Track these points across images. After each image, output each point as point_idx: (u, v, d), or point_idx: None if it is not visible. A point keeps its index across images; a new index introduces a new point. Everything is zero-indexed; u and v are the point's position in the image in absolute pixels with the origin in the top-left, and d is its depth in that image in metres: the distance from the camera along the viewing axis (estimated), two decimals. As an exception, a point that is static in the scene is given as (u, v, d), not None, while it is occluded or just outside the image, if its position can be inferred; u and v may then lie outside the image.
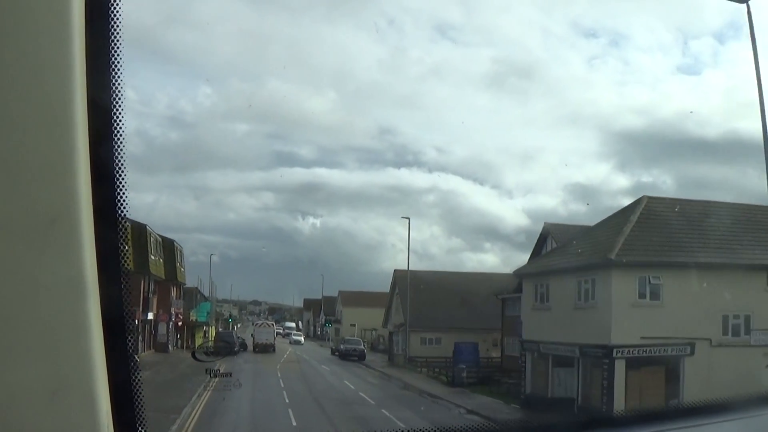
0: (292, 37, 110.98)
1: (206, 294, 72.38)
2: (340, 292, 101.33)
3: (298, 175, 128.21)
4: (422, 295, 57.58)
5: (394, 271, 68.28)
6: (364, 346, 69.60)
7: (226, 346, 46.54)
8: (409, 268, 60.46)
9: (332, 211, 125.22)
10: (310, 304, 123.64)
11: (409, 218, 64.45)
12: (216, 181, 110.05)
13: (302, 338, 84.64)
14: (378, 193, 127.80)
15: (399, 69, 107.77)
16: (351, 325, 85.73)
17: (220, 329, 73.14)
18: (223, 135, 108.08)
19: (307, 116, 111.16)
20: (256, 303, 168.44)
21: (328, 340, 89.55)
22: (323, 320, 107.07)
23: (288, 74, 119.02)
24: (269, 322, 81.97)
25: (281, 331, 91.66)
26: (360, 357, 64.47)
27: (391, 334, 67.40)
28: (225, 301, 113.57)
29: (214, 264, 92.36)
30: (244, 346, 58.11)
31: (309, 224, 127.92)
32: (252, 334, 65.20)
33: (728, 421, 3.83)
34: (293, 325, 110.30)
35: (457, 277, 61.47)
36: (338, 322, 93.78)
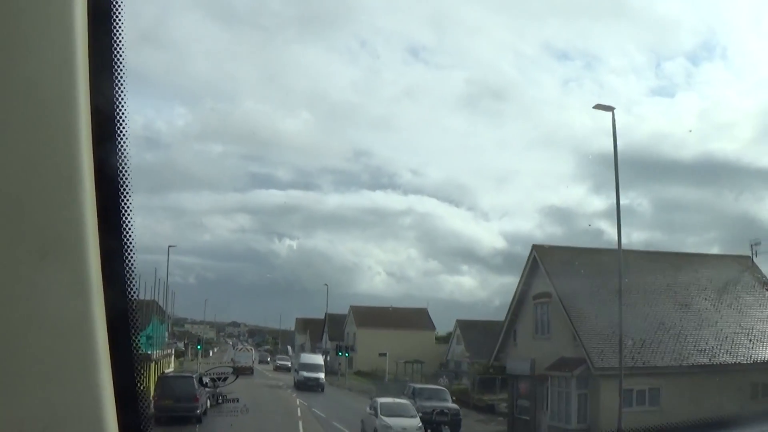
0: (266, 57, 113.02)
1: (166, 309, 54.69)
2: (352, 308, 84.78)
3: (273, 197, 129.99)
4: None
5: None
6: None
7: (172, 407, 26.55)
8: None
9: (309, 234, 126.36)
10: (305, 325, 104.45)
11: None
12: (191, 203, 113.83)
13: (322, 377, 59.19)
14: (354, 215, 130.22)
15: (373, 90, 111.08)
16: (381, 354, 61.17)
17: (170, 370, 49.11)
18: (198, 156, 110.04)
19: (282, 137, 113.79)
20: (234, 324, 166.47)
21: (340, 374, 70.77)
22: (328, 346, 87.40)
23: (262, 94, 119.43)
24: (248, 347, 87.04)
25: (277, 363, 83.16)
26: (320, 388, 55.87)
27: (514, 378, 41.25)
28: (203, 323, 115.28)
29: (190, 285, 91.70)
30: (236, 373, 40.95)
31: (285, 246, 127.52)
32: (233, 358, 68.37)
33: None
34: (288, 358, 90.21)
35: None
36: (352, 349, 73.82)
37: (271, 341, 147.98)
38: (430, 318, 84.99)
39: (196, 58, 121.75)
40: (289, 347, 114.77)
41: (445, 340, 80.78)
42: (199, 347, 61.67)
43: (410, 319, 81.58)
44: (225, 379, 23.60)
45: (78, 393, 2.09)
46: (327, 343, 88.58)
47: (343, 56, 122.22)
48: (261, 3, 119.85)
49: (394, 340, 74.77)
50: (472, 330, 75.48)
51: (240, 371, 51.79)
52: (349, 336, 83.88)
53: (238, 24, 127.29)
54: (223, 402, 20.15)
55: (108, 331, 2.19)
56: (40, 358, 2.05)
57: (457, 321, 75.39)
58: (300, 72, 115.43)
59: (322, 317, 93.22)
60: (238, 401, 21.14)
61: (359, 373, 70.78)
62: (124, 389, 2.26)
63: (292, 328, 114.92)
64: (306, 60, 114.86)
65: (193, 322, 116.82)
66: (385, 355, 64.82)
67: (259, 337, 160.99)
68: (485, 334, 71.92)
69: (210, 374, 24.74)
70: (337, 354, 68.22)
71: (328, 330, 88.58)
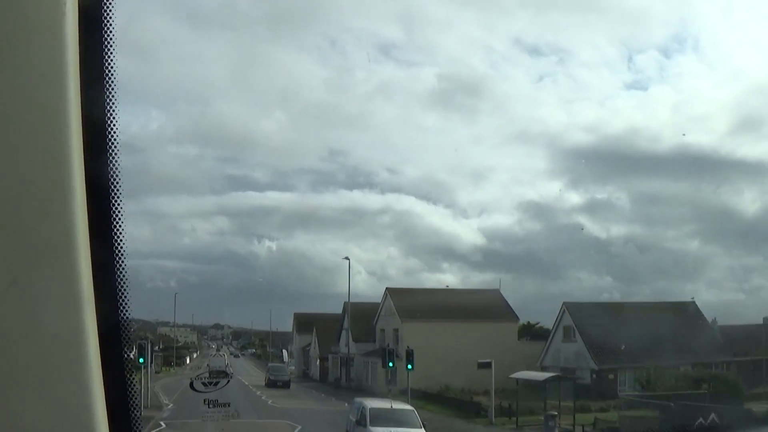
0: (236, 58, 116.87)
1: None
2: (390, 291, 62.32)
3: (251, 198, 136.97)
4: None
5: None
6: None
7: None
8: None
9: (288, 234, 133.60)
10: (309, 323, 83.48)
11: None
12: (169, 207, 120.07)
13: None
14: (332, 215, 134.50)
15: (345, 89, 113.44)
16: (482, 365, 35.64)
17: None
18: (174, 159, 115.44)
19: (257, 138, 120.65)
20: (218, 327, 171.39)
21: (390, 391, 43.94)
22: (353, 350, 63.62)
23: (234, 95, 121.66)
24: (221, 354, 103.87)
25: (270, 376, 64.84)
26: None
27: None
28: (186, 326, 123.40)
29: (171, 289, 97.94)
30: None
31: (265, 247, 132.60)
32: (208, 364, 78.29)
33: None
34: (283, 363, 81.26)
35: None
36: (395, 354, 46.68)
37: (257, 344, 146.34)
38: (507, 303, 56.20)
39: (167, 61, 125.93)
40: (284, 351, 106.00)
41: (532, 333, 61.92)
42: (141, 360, 37.01)
43: (479, 305, 53.37)
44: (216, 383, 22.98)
45: (69, 402, 2.12)
46: (350, 345, 59.20)
47: (314, 55, 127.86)
48: (228, 4, 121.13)
49: (459, 337, 52.38)
50: (590, 317, 47.79)
51: (213, 375, 56.80)
52: (387, 334, 55.29)
53: (206, 26, 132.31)
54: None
55: (99, 340, 2.21)
56: (32, 368, 2.08)
57: (565, 304, 48.48)
58: (271, 72, 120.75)
59: (329, 312, 77.75)
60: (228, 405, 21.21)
61: (425, 397, 42.58)
62: (116, 399, 2.29)
63: (284, 329, 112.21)
64: (277, 60, 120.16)
65: (175, 326, 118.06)
66: (488, 366, 35.97)
67: (244, 338, 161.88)
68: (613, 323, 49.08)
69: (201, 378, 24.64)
70: (387, 364, 41.63)
71: (351, 327, 59.07)
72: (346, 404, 51.12)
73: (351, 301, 67.43)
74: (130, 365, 2.41)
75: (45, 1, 2.16)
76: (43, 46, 2.12)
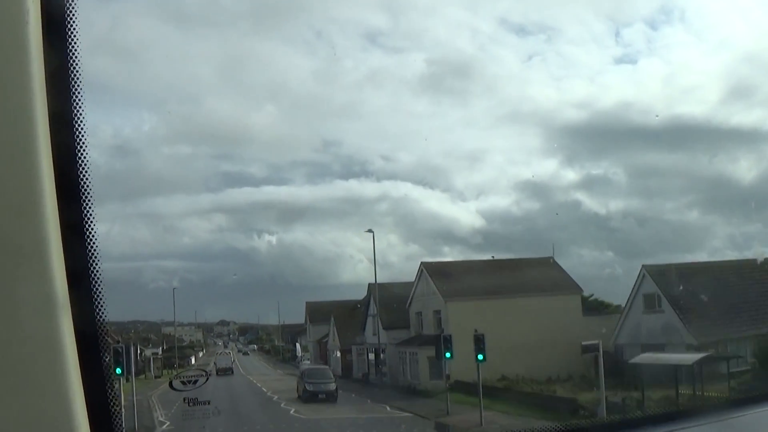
0: (222, 53, 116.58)
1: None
2: (425, 265, 52.94)
3: (247, 194, 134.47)
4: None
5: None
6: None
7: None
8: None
9: (286, 228, 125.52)
10: (324, 312, 75.28)
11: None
12: (166, 207, 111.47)
13: None
14: (329, 206, 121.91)
15: (334, 79, 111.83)
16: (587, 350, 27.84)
17: None
18: (168, 159, 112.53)
19: (249, 133, 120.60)
20: (224, 323, 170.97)
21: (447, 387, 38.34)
22: (384, 339, 54.21)
23: (223, 91, 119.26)
24: (227, 351, 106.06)
25: (307, 385, 46.80)
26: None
27: None
28: (191, 324, 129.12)
29: (175, 289, 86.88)
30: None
31: (265, 242, 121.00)
32: (215, 362, 78.38)
33: (704, 425, 4.21)
34: (325, 366, 59.95)
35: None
36: (446, 341, 31.27)
37: (265, 338, 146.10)
38: (565, 272, 47.26)
39: (154, 62, 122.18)
40: (297, 344, 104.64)
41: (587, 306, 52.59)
42: (118, 371, 28.45)
43: (533, 276, 44.11)
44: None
45: (49, 407, 2.13)
46: (380, 333, 50.17)
47: (300, 47, 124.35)
48: (211, 1, 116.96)
49: (515, 316, 44.04)
50: (678, 283, 43.09)
51: (222, 372, 68.78)
52: (425, 318, 46.15)
53: (191, 24, 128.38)
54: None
55: (77, 345, 2.22)
56: (8, 372, 2.08)
57: (645, 267, 45.53)
58: (259, 66, 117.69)
59: (342, 300, 71.92)
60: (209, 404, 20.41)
61: (489, 392, 34.11)
62: (96, 402, 2.29)
63: (291, 321, 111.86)
64: (264, 54, 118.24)
65: (181, 325, 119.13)
66: (594, 349, 29.68)
67: (251, 334, 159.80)
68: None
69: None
70: (443, 355, 35.46)
71: (379, 312, 50.08)
72: (387, 407, 42.24)
73: (338, 300, 66.42)
74: (109, 368, 2.40)
75: (6, 1, 2.18)
76: (5, 49, 2.12)
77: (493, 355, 40.00)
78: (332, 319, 71.23)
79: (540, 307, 45.41)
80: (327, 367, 55.55)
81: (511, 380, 42.67)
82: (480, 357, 35.98)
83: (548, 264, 51.23)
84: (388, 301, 54.51)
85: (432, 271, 51.20)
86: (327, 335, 76.25)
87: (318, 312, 78.18)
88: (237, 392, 52.32)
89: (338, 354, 69.83)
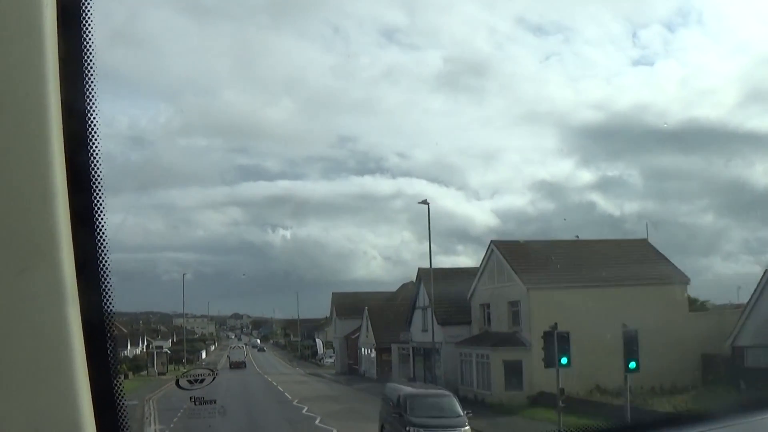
0: (239, 47, 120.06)
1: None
2: (497, 244, 44.53)
3: (262, 188, 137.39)
4: None
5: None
6: None
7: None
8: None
9: (301, 223, 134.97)
10: (355, 304, 66.91)
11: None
12: (180, 199, 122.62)
13: None
14: (344, 202, 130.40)
15: (351, 75, 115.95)
16: None
17: None
18: (184, 151, 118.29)
19: (266, 127, 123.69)
20: (237, 316, 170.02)
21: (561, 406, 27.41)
22: (438, 338, 45.26)
23: (240, 85, 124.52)
24: (240, 345, 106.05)
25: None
26: None
27: None
28: (204, 317, 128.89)
29: (187, 281, 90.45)
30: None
31: (279, 236, 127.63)
32: (228, 355, 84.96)
33: (713, 429, 4.28)
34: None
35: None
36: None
37: (280, 332, 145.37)
38: (667, 259, 38.30)
39: (171, 54, 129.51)
40: (317, 340, 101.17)
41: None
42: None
43: (628, 263, 35.00)
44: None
45: (55, 399, 2.15)
46: (435, 330, 41.45)
47: (317, 43, 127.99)
48: None
49: (610, 310, 34.21)
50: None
51: (235, 365, 72.55)
52: (496, 312, 37.85)
53: (207, 16, 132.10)
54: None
55: (84, 334, 2.24)
56: (16, 364, 2.10)
57: None
58: (276, 60, 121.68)
59: (376, 292, 68.84)
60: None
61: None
62: (102, 395, 2.32)
63: (307, 316, 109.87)
64: (280, 48, 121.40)
65: (194, 317, 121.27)
66: None
67: (265, 328, 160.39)
68: None
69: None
70: (558, 360, 26.73)
71: (433, 304, 41.35)
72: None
73: (369, 291, 63.92)
74: (115, 359, 2.42)
75: None
76: (20, 41, 2.11)
77: (591, 361, 31.90)
78: (365, 312, 63.30)
79: (642, 299, 36.43)
80: (445, 390, 31.50)
81: (611, 393, 34.00)
82: (564, 360, 27.89)
83: (644, 246, 42.84)
84: (443, 291, 44.96)
85: (506, 252, 41.77)
86: (356, 331, 68.04)
87: (347, 305, 70.15)
88: (255, 399, 43.16)
89: (373, 353, 61.81)
